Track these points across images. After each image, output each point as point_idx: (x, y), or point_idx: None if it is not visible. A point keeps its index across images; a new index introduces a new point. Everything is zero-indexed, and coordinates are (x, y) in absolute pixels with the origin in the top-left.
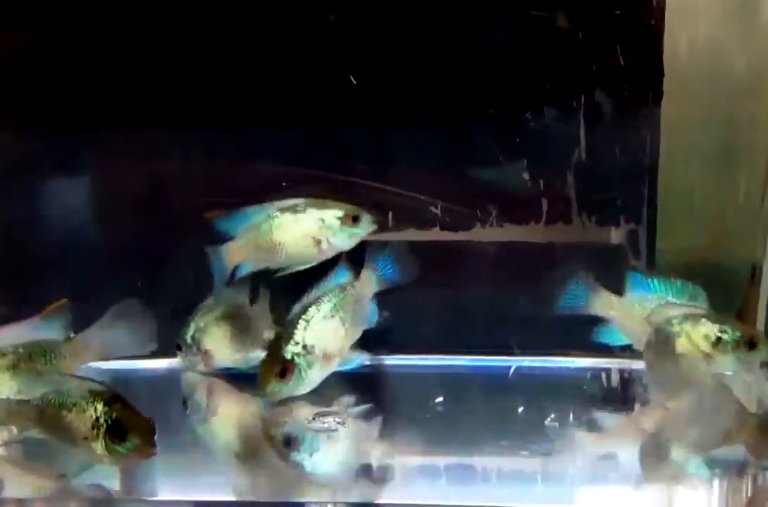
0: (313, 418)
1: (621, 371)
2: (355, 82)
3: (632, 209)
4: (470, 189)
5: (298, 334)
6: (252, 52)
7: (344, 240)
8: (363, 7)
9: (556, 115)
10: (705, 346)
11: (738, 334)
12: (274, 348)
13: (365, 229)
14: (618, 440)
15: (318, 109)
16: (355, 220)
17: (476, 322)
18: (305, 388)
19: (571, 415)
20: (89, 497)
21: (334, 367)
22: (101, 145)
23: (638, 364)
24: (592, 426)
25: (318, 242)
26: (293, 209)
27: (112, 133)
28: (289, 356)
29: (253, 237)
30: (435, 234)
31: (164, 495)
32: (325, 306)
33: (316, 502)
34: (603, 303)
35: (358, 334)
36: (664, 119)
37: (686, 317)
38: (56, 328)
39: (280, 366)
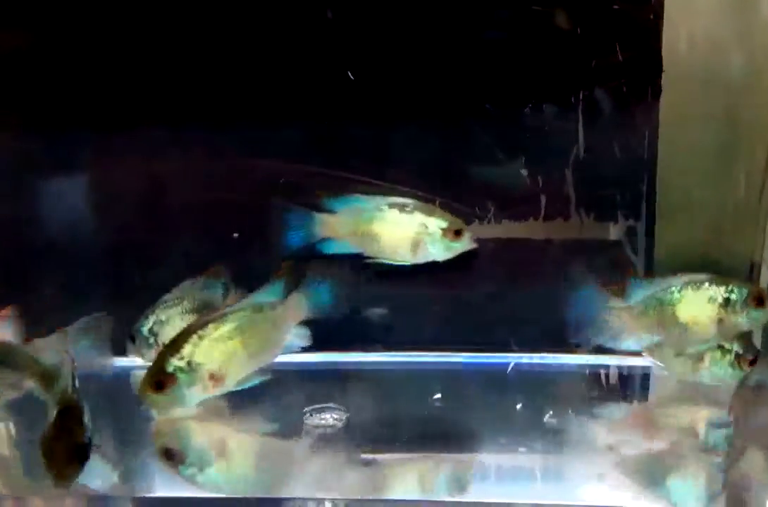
0: (310, 415)
1: (620, 368)
2: (352, 78)
3: (631, 205)
4: (468, 185)
5: (187, 349)
6: (249, 50)
7: (440, 250)
8: (361, 3)
9: (555, 111)
10: (713, 310)
11: (746, 291)
12: (161, 356)
13: (464, 245)
14: (616, 436)
15: (315, 106)
16: (457, 234)
17: (474, 319)
18: (184, 405)
19: (570, 412)
20: (86, 495)
21: (226, 389)
22: (98, 143)
23: (636, 361)
24: (591, 423)
25: (415, 245)
26: (401, 207)
27: (112, 131)
28: (170, 369)
29: (354, 219)
30: None
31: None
32: (227, 326)
33: (312, 499)
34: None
35: (268, 359)
36: (662, 115)
37: (687, 284)
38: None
39: (157, 377)
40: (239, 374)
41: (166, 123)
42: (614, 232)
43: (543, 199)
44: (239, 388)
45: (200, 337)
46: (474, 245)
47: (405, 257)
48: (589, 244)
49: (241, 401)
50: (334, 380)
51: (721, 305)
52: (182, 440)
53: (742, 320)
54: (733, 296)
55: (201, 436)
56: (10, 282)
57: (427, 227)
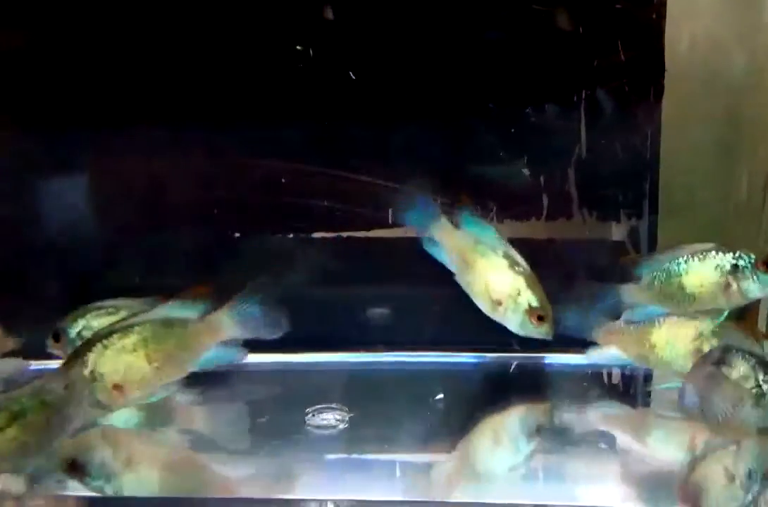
0: (312, 415)
1: (622, 369)
2: (354, 78)
3: (633, 205)
4: (470, 185)
5: (90, 358)
6: (249, 49)
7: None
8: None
9: (557, 111)
10: (721, 277)
11: (753, 256)
12: (65, 362)
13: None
14: (619, 436)
15: (317, 105)
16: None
17: (476, 318)
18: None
19: (573, 412)
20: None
21: (131, 402)
22: (96, 142)
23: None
24: (593, 423)
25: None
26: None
27: (111, 129)
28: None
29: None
30: None
31: None
32: (131, 338)
33: (315, 500)
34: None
35: (177, 375)
36: (665, 114)
37: (693, 254)
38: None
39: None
40: (144, 387)
41: (165, 123)
42: (617, 231)
43: (545, 198)
44: (144, 402)
45: (105, 347)
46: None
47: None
48: (591, 244)
49: (240, 400)
50: (336, 380)
51: (728, 272)
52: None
53: (750, 286)
54: (741, 262)
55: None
56: (6, 280)
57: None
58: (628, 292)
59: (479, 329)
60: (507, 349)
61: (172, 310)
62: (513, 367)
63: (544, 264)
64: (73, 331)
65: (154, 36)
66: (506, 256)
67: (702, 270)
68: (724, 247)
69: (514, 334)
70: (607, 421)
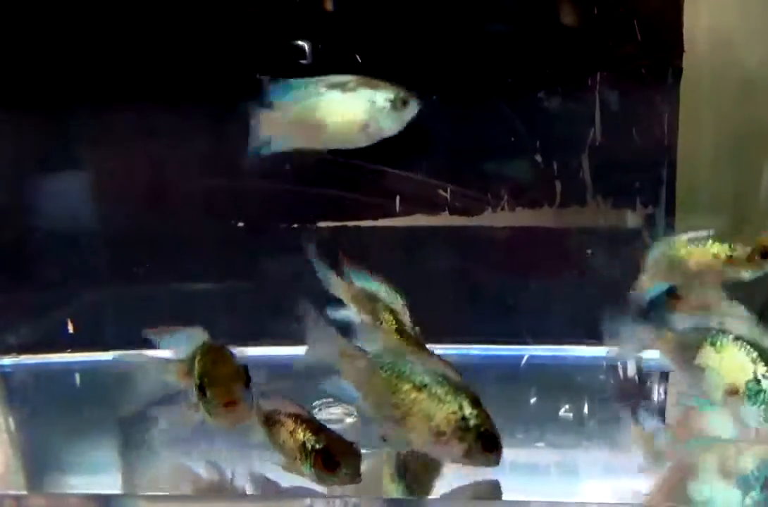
0: (319, 409)
1: (637, 361)
2: (360, 60)
3: (649, 192)
4: (481, 172)
5: None
6: (251, 31)
7: (392, 125)
8: None
9: (571, 95)
10: (717, 265)
11: (748, 248)
12: None
13: (412, 113)
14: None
15: None
16: (404, 104)
17: (488, 310)
18: None
19: (585, 406)
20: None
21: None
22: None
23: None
24: (607, 417)
25: (366, 126)
26: (343, 87)
27: (106, 113)
28: None
29: (296, 111)
30: (444, 219)
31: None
32: None
33: (322, 497)
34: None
35: None
36: (683, 99)
37: (691, 240)
38: None
39: None
40: None
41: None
42: (632, 219)
43: (558, 185)
44: None
45: None
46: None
47: (357, 141)
48: (605, 232)
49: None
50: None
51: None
52: None
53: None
54: (736, 253)
55: None
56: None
57: (375, 103)
58: (640, 284)
59: (490, 321)
60: (518, 342)
61: None
62: (524, 360)
63: (556, 253)
64: None
65: (153, 27)
66: (330, 89)
67: (701, 259)
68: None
69: (526, 327)
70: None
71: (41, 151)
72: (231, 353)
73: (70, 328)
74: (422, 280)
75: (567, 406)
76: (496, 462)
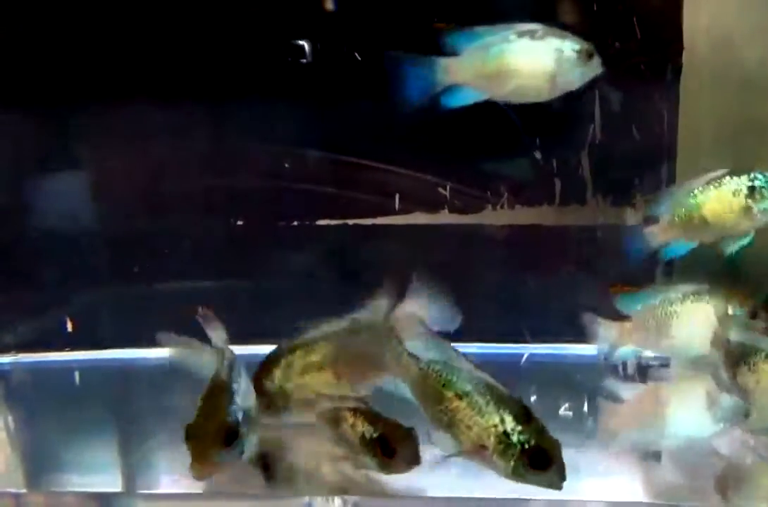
0: None
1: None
2: (359, 58)
3: (649, 189)
4: (480, 170)
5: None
6: (253, 28)
7: (578, 78)
8: None
9: (570, 92)
10: (740, 202)
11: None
12: None
13: (596, 68)
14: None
15: (320, 86)
16: (590, 57)
17: (487, 308)
18: None
19: (585, 404)
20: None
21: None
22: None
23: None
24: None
25: (553, 77)
26: (530, 35)
27: (102, 111)
28: None
29: (484, 58)
30: (444, 217)
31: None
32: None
33: (322, 496)
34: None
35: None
36: (682, 96)
37: (708, 184)
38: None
39: None
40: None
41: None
42: (632, 217)
43: (558, 183)
44: None
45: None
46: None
47: (542, 92)
48: (605, 230)
49: None
50: None
51: (746, 195)
52: None
53: None
54: (757, 182)
55: None
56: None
57: (563, 53)
58: (652, 234)
59: (489, 319)
60: (517, 340)
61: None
62: (524, 358)
63: (556, 251)
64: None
65: (155, 25)
66: (518, 37)
67: (720, 198)
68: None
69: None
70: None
71: (39, 150)
72: (231, 399)
73: (69, 327)
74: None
75: (567, 405)
76: (553, 482)
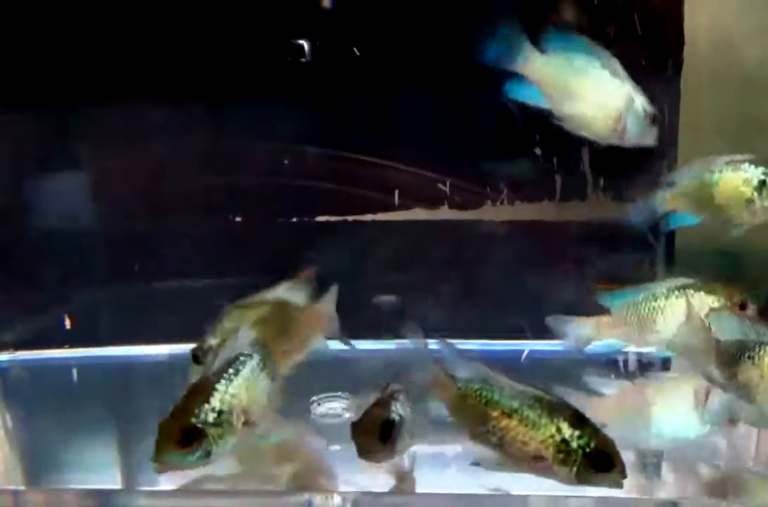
0: (318, 404)
1: (639, 355)
2: (358, 54)
3: (651, 185)
4: (480, 165)
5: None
6: (249, 24)
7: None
8: None
9: None
10: (746, 192)
11: None
12: None
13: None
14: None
15: (318, 82)
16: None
17: (487, 304)
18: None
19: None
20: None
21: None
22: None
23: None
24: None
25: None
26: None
27: (100, 110)
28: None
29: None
30: (443, 213)
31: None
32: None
33: (320, 492)
34: None
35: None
36: (684, 90)
37: (728, 163)
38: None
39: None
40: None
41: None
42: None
43: (558, 179)
44: None
45: None
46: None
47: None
48: (606, 226)
49: None
50: (342, 368)
51: (754, 187)
52: None
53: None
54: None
55: None
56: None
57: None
58: (662, 199)
59: (490, 315)
60: (518, 337)
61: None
62: (524, 355)
63: (557, 247)
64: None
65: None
66: (606, 66)
67: (732, 181)
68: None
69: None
70: None
71: (38, 150)
72: (206, 399)
73: (68, 324)
74: (420, 275)
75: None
76: (616, 481)
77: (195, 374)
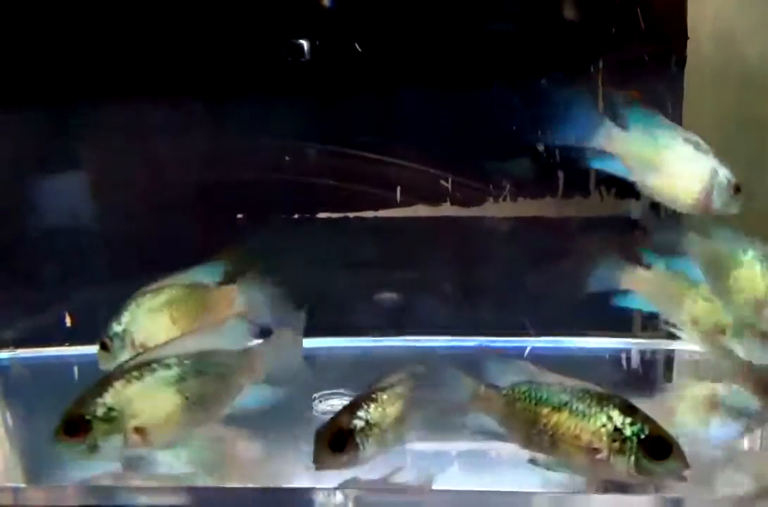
0: (319, 401)
1: (641, 352)
2: (360, 50)
3: None
4: (482, 162)
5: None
6: (250, 22)
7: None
8: None
9: (574, 82)
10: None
11: None
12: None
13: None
14: None
15: (320, 78)
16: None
17: (489, 301)
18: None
19: None
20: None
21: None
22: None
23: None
24: None
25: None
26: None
27: (98, 108)
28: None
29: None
30: (445, 209)
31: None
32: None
33: (322, 489)
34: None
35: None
36: (687, 87)
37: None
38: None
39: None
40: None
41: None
42: (636, 209)
43: (561, 175)
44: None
45: None
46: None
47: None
48: (608, 222)
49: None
50: (343, 366)
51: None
52: None
53: None
54: None
55: None
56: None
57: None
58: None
59: (491, 312)
60: (520, 334)
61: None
62: (527, 352)
63: (560, 244)
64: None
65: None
66: (688, 141)
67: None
68: None
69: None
70: None
71: (38, 149)
72: (101, 392)
73: (68, 322)
74: (422, 272)
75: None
76: (677, 471)
77: (103, 360)
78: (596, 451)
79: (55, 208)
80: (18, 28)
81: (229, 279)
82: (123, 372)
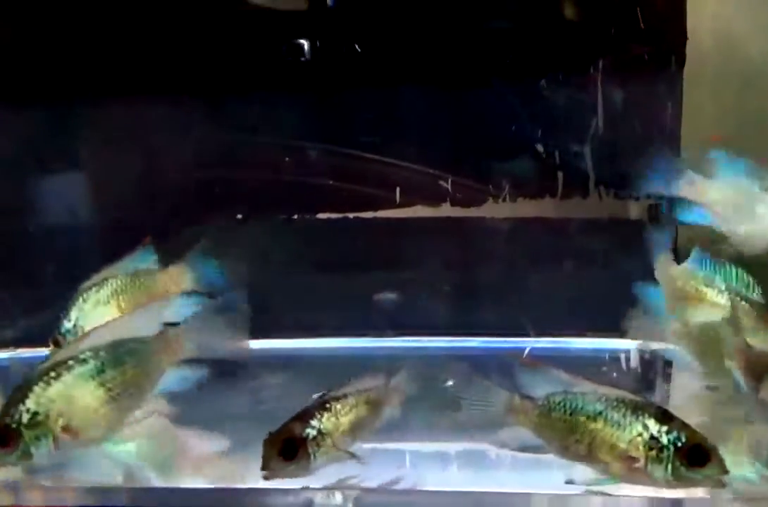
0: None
1: (641, 352)
2: (360, 50)
3: (652, 182)
4: (482, 162)
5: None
6: (250, 21)
7: None
8: None
9: (573, 82)
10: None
11: None
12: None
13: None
14: None
15: (321, 78)
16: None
17: (488, 302)
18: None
19: None
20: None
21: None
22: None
23: (657, 346)
24: None
25: None
26: None
27: (97, 107)
28: None
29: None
30: (445, 210)
31: None
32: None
33: (322, 489)
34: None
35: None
36: (686, 87)
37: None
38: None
39: None
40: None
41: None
42: (635, 210)
43: (560, 175)
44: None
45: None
46: None
47: None
48: (608, 223)
49: (245, 387)
50: (343, 366)
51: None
52: None
53: None
54: None
55: None
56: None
57: None
58: None
59: (490, 313)
60: (519, 334)
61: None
62: (526, 353)
63: (559, 245)
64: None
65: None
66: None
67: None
68: None
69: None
70: None
71: (38, 148)
72: (22, 399)
73: None
74: (421, 272)
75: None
76: (717, 478)
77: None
78: (633, 459)
79: (55, 208)
80: (18, 28)
81: (177, 259)
82: (40, 374)
